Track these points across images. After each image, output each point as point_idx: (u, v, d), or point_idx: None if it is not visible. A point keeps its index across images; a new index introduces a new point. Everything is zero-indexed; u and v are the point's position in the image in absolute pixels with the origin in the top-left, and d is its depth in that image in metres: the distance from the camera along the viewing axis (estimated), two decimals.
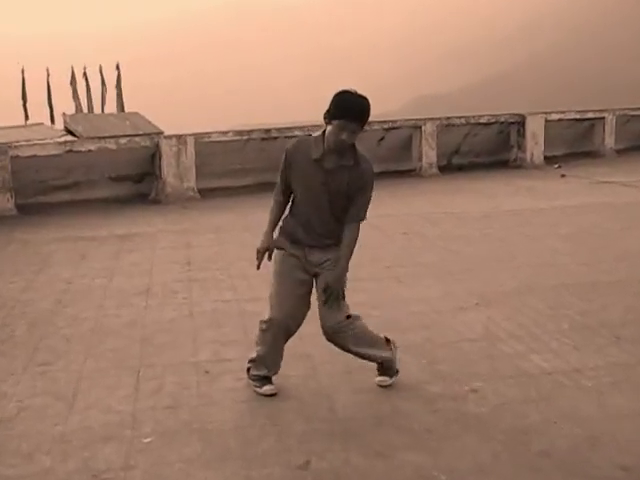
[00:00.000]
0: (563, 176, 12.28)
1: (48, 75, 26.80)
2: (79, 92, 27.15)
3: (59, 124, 23.34)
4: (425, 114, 14.61)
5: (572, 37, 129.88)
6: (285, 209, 3.92)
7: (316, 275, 3.86)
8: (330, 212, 3.76)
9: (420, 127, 12.81)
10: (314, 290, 3.91)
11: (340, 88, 3.68)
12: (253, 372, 4.02)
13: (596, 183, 11.44)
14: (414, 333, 4.88)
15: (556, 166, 13.32)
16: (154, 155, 10.94)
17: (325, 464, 3.29)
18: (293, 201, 3.88)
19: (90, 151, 10.52)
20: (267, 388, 3.96)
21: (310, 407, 3.85)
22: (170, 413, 3.80)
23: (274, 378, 4.01)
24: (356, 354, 4.00)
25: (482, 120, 13.59)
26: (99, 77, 27.72)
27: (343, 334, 3.87)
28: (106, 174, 10.96)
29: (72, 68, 27.34)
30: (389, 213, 9.05)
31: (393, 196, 10.39)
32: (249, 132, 11.69)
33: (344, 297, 3.87)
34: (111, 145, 10.73)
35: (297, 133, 11.19)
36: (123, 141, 11.01)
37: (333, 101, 3.62)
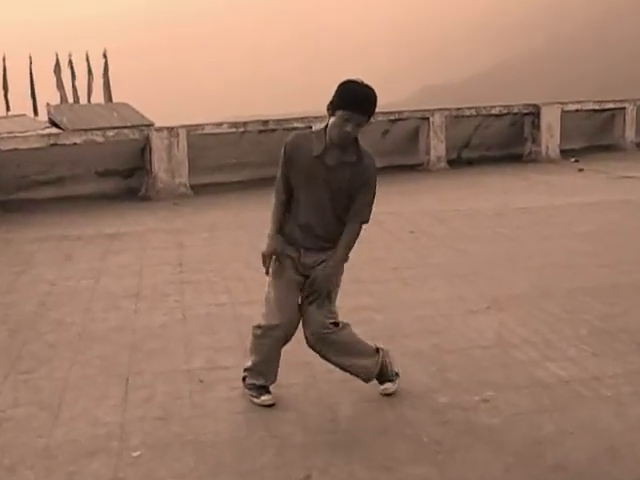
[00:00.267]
0: (581, 171, 12.28)
1: (31, 63, 26.81)
2: (64, 81, 27.16)
3: (42, 115, 23.38)
4: (433, 104, 14.66)
5: (591, 22, 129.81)
6: (288, 207, 3.86)
7: (308, 277, 3.85)
8: (332, 212, 3.76)
9: (428, 118, 12.81)
10: None
11: (342, 77, 3.67)
12: (249, 381, 4.02)
13: (616, 178, 11.44)
14: (421, 339, 4.88)
15: (573, 160, 13.32)
16: (144, 148, 10.94)
17: (327, 478, 3.29)
18: (292, 200, 3.87)
19: (75, 144, 10.52)
20: (265, 398, 3.96)
21: (311, 418, 3.85)
22: (161, 424, 3.80)
23: (272, 387, 4.01)
24: (336, 364, 3.96)
25: (494, 111, 13.59)
26: (85, 65, 27.72)
27: (326, 341, 3.84)
28: (93, 169, 10.97)
29: (56, 55, 27.34)
30: (394, 210, 9.05)
31: (399, 192, 10.39)
32: (245, 124, 11.69)
33: (333, 301, 3.85)
34: (98, 138, 10.73)
35: (297, 125, 11.21)
36: (111, 133, 11.01)
37: (337, 91, 3.62)
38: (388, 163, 11.65)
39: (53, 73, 27.19)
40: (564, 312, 5.36)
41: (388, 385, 4.07)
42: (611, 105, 14.83)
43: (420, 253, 7.21)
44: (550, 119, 13.66)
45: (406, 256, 7.11)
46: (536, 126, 13.66)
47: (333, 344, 3.86)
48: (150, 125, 15.70)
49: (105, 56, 28.16)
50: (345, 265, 3.90)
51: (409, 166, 12.76)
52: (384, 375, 4.07)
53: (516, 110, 13.79)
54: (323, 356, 3.95)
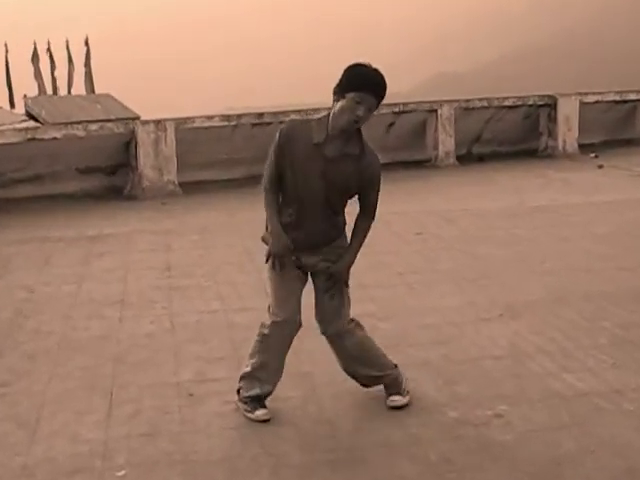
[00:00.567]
0: (600, 167, 12.28)
1: (7, 51, 26.80)
2: (42, 71, 27.16)
3: (19, 108, 23.34)
4: (441, 95, 14.67)
5: (611, 8, 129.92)
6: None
7: (311, 274, 3.94)
8: (324, 209, 3.78)
9: (436, 111, 12.81)
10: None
11: (344, 66, 3.69)
12: (245, 394, 4.02)
13: (638, 175, 11.44)
14: (429, 349, 4.88)
15: (592, 155, 13.33)
16: (129, 143, 10.94)
17: None
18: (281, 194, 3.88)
19: (55, 139, 10.52)
20: (260, 413, 3.96)
21: (309, 434, 3.85)
22: (147, 442, 3.80)
23: (268, 401, 4.01)
24: (351, 358, 4.04)
25: (507, 102, 13.59)
26: (65, 53, 27.72)
27: (348, 334, 3.96)
28: (74, 165, 10.97)
29: (34, 43, 27.35)
30: (400, 210, 9.06)
31: (404, 191, 10.39)
32: (238, 117, 11.70)
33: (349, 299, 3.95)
34: (79, 132, 10.73)
35: (295, 117, 11.21)
36: (93, 127, 11.00)
37: (346, 73, 3.65)
38: (393, 159, 11.65)
39: (31, 62, 27.18)
40: (582, 319, 5.37)
41: (397, 397, 4.07)
42: (634, 96, 14.82)
43: (427, 256, 7.22)
44: (568, 111, 13.66)
45: (412, 259, 7.11)
46: (552, 119, 13.65)
47: (353, 336, 3.97)
48: (136, 118, 15.70)
49: (87, 44, 28.13)
50: None
51: (415, 162, 12.76)
52: (394, 387, 4.08)
53: (531, 101, 13.79)
54: (340, 348, 4.01)
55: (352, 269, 3.95)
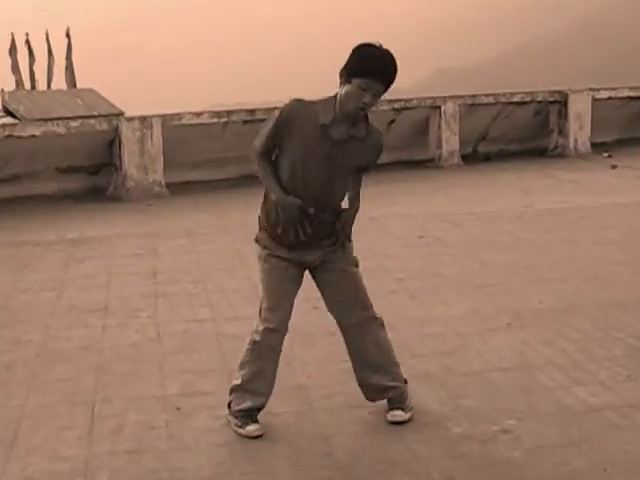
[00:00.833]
0: (614, 167, 12.31)
1: None
2: (20, 64, 27.14)
3: None
4: (446, 91, 14.66)
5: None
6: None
7: (311, 271, 3.97)
8: (327, 194, 3.81)
9: (439, 107, 12.83)
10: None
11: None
12: (235, 407, 4.01)
13: None
14: (432, 360, 4.88)
15: (605, 155, 13.36)
16: (112, 141, 10.95)
17: None
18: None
19: (34, 136, 10.52)
20: (251, 428, 3.95)
21: (304, 451, 3.84)
22: (132, 459, 3.79)
23: (260, 416, 4.01)
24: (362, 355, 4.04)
25: (515, 99, 13.62)
26: (45, 46, 27.71)
27: (368, 329, 3.99)
28: (53, 165, 10.97)
29: (12, 35, 27.34)
30: (401, 212, 9.07)
31: (406, 192, 10.41)
32: (228, 113, 11.71)
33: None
34: (59, 129, 10.74)
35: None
36: (74, 124, 11.01)
37: (354, 55, 3.66)
38: (394, 159, 11.67)
39: (8, 55, 27.17)
40: (594, 329, 5.37)
41: (399, 412, 4.06)
42: None
43: (430, 261, 7.22)
44: (579, 108, 13.69)
45: (414, 265, 7.12)
46: (563, 116, 13.68)
47: (375, 332, 4.01)
48: (120, 114, 15.67)
49: (68, 35, 28.14)
50: None
51: (418, 162, 12.79)
52: (398, 401, 4.08)
53: (540, 98, 13.81)
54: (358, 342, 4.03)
55: None
